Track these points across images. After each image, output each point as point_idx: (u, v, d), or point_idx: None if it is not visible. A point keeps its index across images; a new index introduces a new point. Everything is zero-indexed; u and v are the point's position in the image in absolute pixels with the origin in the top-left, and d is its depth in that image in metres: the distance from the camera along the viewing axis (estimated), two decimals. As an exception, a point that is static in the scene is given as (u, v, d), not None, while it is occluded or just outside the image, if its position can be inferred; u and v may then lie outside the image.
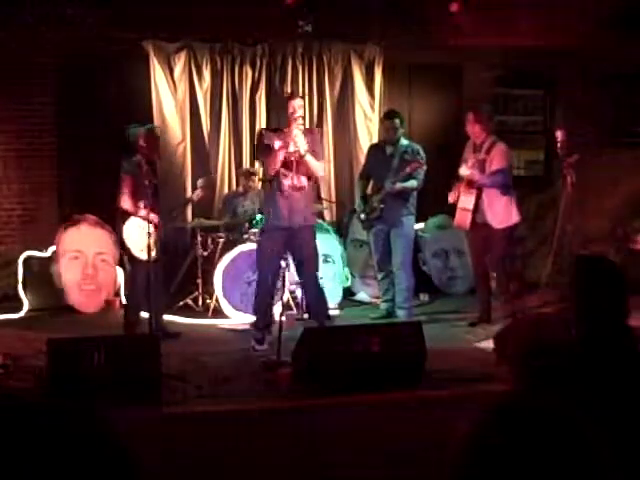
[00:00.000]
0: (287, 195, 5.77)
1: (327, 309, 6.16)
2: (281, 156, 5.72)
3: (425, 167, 6.60)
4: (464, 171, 6.35)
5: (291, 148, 5.73)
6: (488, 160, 6.33)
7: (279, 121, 6.17)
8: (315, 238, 6.10)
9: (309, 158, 5.78)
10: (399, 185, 6.62)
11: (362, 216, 6.91)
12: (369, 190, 6.96)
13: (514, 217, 6.41)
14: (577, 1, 8.00)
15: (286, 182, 5.77)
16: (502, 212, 6.36)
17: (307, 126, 6.09)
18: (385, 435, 4.08)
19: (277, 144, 5.76)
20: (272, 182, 5.86)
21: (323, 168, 6.27)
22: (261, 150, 5.92)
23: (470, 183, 6.37)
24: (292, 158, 5.73)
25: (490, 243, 6.50)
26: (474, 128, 6.45)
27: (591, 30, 7.85)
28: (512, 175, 6.56)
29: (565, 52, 8.27)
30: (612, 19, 7.82)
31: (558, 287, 6.99)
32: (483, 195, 6.36)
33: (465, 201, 6.44)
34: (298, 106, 5.82)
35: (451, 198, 6.54)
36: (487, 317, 6.58)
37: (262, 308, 5.96)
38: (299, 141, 5.70)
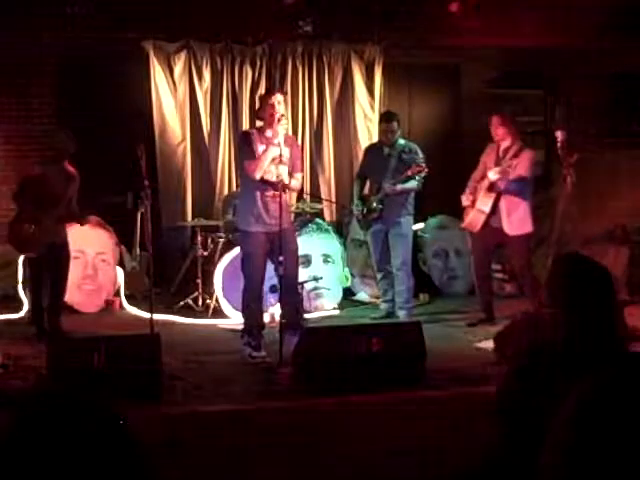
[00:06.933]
0: (267, 201, 5.57)
1: (301, 317, 5.92)
2: (266, 161, 5.49)
3: (427, 170, 6.55)
4: (493, 176, 6.27)
5: (275, 152, 5.48)
6: (513, 165, 6.26)
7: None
8: (296, 242, 5.91)
9: (293, 184, 5.67)
10: (399, 186, 6.62)
11: (359, 216, 6.91)
12: (366, 190, 6.96)
13: (528, 226, 6.37)
14: (578, 1, 8.01)
15: (267, 192, 5.56)
16: (519, 220, 6.32)
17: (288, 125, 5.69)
18: (385, 435, 4.09)
19: (261, 148, 5.54)
20: (248, 184, 5.63)
21: (301, 182, 6.08)
22: (245, 153, 5.65)
23: (491, 187, 6.34)
24: (273, 179, 5.49)
25: (496, 246, 6.49)
26: (497, 130, 6.38)
27: (591, 30, 7.86)
28: (534, 184, 6.51)
29: (565, 52, 8.27)
30: (612, 19, 7.82)
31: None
32: (503, 201, 6.32)
33: (483, 203, 6.39)
34: (278, 102, 5.53)
35: (465, 200, 6.48)
36: (490, 318, 6.56)
37: (254, 314, 5.71)
38: (282, 172, 5.48)
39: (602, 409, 1.12)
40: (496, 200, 6.35)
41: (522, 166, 6.28)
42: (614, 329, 2.31)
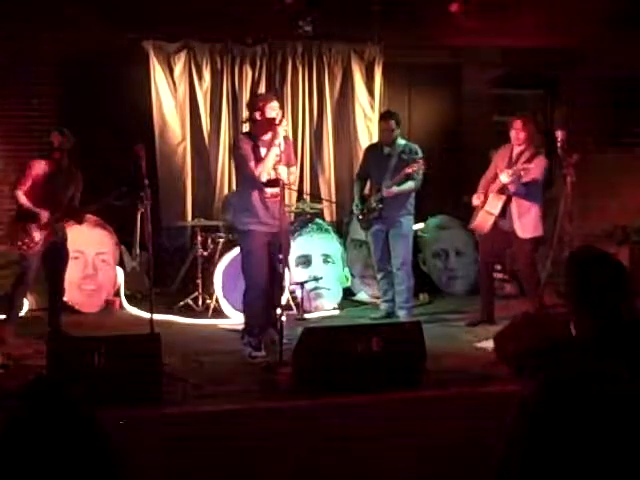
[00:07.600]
0: (267, 201, 5.63)
1: (275, 315, 5.81)
2: (270, 162, 5.56)
3: (426, 165, 6.55)
4: (505, 178, 6.25)
5: (277, 151, 5.55)
6: (528, 169, 6.23)
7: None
8: (289, 240, 6.01)
9: (292, 179, 5.86)
10: (395, 189, 6.60)
11: (360, 216, 6.92)
12: (366, 190, 6.96)
13: (539, 230, 6.38)
14: (577, 1, 8.00)
15: (268, 190, 5.61)
16: (530, 223, 6.33)
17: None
18: (385, 435, 4.08)
19: (263, 151, 5.59)
20: (251, 185, 5.65)
21: (295, 175, 6.39)
22: (248, 155, 5.61)
23: (502, 189, 6.33)
24: (272, 178, 5.59)
25: (505, 250, 6.49)
26: (519, 134, 6.34)
27: (591, 30, 7.85)
28: (544, 188, 6.49)
29: (565, 52, 8.27)
30: (612, 19, 7.82)
31: (558, 287, 7.00)
32: (513, 204, 6.32)
33: (492, 205, 6.37)
34: (278, 107, 5.68)
35: (476, 200, 6.46)
36: (489, 319, 6.56)
37: (255, 314, 5.72)
38: (282, 172, 5.56)
39: (542, 409, 1.13)
40: (506, 203, 6.35)
41: (535, 171, 6.25)
42: (637, 319, 2.29)
